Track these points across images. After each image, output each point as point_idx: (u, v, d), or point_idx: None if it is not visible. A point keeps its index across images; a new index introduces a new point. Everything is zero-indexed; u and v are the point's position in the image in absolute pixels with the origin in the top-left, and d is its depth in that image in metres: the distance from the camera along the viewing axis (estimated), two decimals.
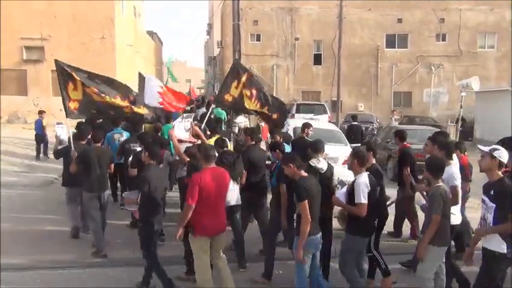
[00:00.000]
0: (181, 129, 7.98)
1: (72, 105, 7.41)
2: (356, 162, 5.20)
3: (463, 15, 31.70)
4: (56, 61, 7.53)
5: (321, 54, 32.37)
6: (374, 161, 5.99)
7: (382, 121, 26.62)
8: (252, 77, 8.89)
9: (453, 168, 5.45)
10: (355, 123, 16.62)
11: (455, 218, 5.40)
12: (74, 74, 7.37)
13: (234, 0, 16.24)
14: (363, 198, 4.98)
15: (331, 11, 29.12)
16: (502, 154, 4.46)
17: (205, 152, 5.27)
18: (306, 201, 4.75)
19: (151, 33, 43.29)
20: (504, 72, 33.44)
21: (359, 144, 10.47)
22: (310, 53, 32.52)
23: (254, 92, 8.52)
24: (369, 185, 5.05)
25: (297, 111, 21.68)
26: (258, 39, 32.31)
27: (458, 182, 5.46)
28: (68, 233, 7.61)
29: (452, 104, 29.83)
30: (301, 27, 31.97)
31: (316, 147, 6.15)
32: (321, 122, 16.25)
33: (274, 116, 8.81)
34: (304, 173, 5.04)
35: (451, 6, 31.73)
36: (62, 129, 8.98)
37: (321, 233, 5.04)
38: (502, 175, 4.48)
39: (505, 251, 4.31)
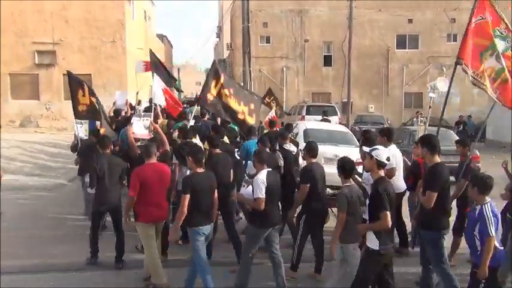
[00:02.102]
0: (140, 127, 8.58)
1: (81, 108, 8.41)
2: (256, 159, 5.62)
3: None
4: (68, 72, 8.64)
5: (331, 55, 32.26)
6: (313, 160, 6.32)
7: (392, 122, 26.44)
8: (228, 77, 9.77)
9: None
10: (326, 117, 17.08)
11: None
12: (83, 83, 8.45)
13: (243, 1, 16.24)
14: (259, 193, 5.30)
15: (341, 12, 29.00)
16: (379, 153, 4.74)
17: (145, 149, 6.06)
18: (187, 195, 5.19)
19: (161, 37, 43.52)
20: None
21: None
22: (320, 55, 32.42)
23: (232, 90, 9.24)
24: (265, 181, 5.33)
25: (307, 113, 21.64)
26: (268, 41, 32.30)
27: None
28: (80, 236, 7.68)
29: (464, 105, 29.57)
30: (311, 29, 31.90)
31: (283, 135, 7.88)
32: (332, 124, 16.22)
33: (252, 106, 9.48)
34: (199, 170, 5.43)
35: (462, 5, 31.36)
36: (81, 127, 9.57)
37: (211, 224, 5.53)
38: (382, 175, 4.76)
39: (378, 248, 4.61)
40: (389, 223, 4.55)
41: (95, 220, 6.73)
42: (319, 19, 31.78)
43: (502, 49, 6.38)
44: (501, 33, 6.47)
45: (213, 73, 9.26)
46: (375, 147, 4.94)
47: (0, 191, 9.50)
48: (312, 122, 15.15)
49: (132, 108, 14.31)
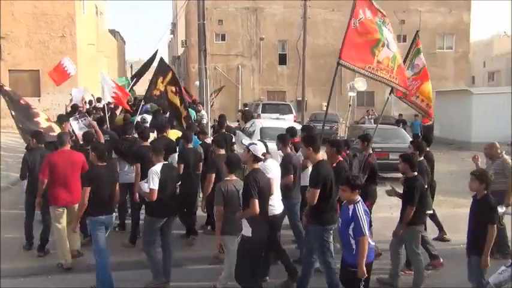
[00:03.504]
0: (79, 128, 9.04)
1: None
2: (152, 154, 5.98)
3: (423, 17, 32.56)
4: None
5: (285, 54, 32.56)
6: (222, 152, 6.84)
7: (345, 120, 27.00)
8: (175, 75, 10.07)
9: (266, 162, 5.81)
10: (247, 108, 17.58)
11: (273, 209, 5.75)
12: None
13: (199, 0, 16.09)
14: (152, 184, 5.64)
15: (295, 11, 29.32)
16: (256, 148, 5.05)
17: (58, 138, 6.69)
18: (88, 187, 5.54)
19: (113, 32, 42.47)
20: (462, 72, 34.65)
21: None
22: (275, 53, 32.66)
23: (177, 88, 9.74)
24: (159, 172, 5.67)
25: (263, 111, 21.73)
26: (223, 38, 32.21)
27: (270, 174, 5.69)
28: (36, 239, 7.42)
29: None
30: (266, 27, 32.08)
31: (202, 131, 8.99)
32: (287, 122, 16.39)
33: (185, 112, 9.98)
34: (101, 163, 5.76)
35: (411, 7, 32.56)
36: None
37: (112, 214, 5.77)
38: (255, 167, 5.05)
39: (250, 234, 4.91)
40: (257, 210, 4.81)
41: (29, 210, 6.99)
42: (274, 18, 32.00)
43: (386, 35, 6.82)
44: (382, 22, 6.92)
45: (160, 70, 9.71)
46: (252, 142, 5.28)
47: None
48: (268, 120, 15.28)
49: (90, 104, 14.30)
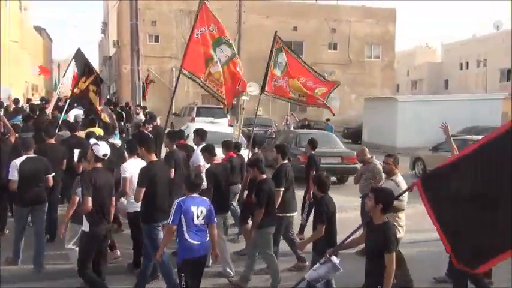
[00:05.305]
0: None
1: None
2: (22, 148, 6.37)
3: (352, 27, 33.89)
4: None
5: None
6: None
7: (279, 125, 27.46)
8: (98, 76, 10.17)
9: (126, 162, 6.27)
10: (149, 111, 18.23)
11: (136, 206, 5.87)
12: None
13: (131, 0, 15.69)
14: (10, 175, 6.12)
15: (231, 15, 29.37)
16: (97, 148, 5.25)
17: None
18: None
19: (39, 29, 40.38)
20: (388, 80, 36.44)
21: None
22: None
23: (98, 89, 9.88)
24: (18, 165, 6.07)
25: (198, 115, 21.51)
26: (157, 40, 31.61)
27: (126, 174, 6.05)
28: None
29: (344, 109, 31.75)
30: None
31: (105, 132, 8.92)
32: (221, 126, 16.37)
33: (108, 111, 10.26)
34: None
35: (342, 17, 33.79)
36: None
37: None
38: (97, 166, 5.21)
39: (87, 230, 5.13)
40: (89, 207, 5.02)
41: None
42: None
43: (230, 55, 7.40)
44: (227, 41, 7.45)
45: (85, 70, 9.83)
46: (96, 142, 5.50)
47: None
48: (202, 124, 15.15)
49: (17, 103, 14.35)
